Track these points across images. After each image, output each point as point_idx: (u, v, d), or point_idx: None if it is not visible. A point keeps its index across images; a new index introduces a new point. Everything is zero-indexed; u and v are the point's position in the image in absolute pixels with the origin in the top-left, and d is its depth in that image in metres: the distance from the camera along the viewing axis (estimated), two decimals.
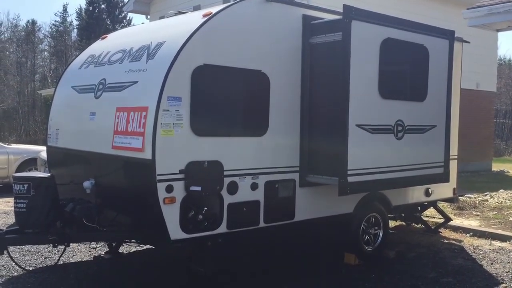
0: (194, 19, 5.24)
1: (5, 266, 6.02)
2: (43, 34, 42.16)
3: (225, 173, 5.08)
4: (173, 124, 4.73)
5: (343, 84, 5.42)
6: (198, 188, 4.86)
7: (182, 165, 4.79)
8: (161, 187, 4.66)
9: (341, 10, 5.45)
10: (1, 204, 10.22)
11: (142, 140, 4.74)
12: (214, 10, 5.19)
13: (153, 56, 5.06)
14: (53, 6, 69.68)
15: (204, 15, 5.11)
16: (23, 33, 40.85)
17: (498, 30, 10.57)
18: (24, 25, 42.03)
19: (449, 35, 6.62)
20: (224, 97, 5.16)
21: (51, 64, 39.65)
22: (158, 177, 4.64)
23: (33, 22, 41.57)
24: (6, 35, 40.91)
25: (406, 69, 6.41)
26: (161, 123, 4.66)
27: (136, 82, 5.09)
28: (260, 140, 5.41)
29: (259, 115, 5.42)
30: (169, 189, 4.71)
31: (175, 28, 5.62)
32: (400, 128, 6.06)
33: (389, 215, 7.05)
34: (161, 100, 4.65)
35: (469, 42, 7.97)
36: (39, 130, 29.05)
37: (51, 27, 43.02)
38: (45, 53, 41.70)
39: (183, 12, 6.25)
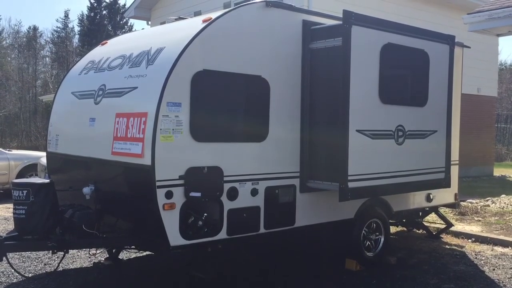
0: (194, 24, 5.24)
1: (4, 272, 5.99)
2: (45, 40, 42.34)
3: (225, 178, 5.06)
4: (173, 129, 4.72)
5: (343, 89, 5.40)
6: (198, 194, 4.84)
7: (182, 171, 4.78)
8: (160, 193, 4.64)
9: (341, 16, 5.45)
10: (2, 210, 10.21)
11: (142, 146, 4.73)
12: (214, 15, 5.19)
13: (153, 62, 5.05)
14: (54, 12, 70.10)
15: (204, 21, 5.11)
16: (24, 39, 40.99)
17: (498, 35, 10.56)
18: (26, 31, 42.24)
19: (449, 40, 6.61)
20: (224, 102, 5.14)
21: (52, 70, 39.76)
22: (157, 183, 4.63)
23: (35, 28, 41.71)
24: (7, 41, 41.09)
25: (407, 74, 6.39)
26: (161, 129, 4.64)
27: (135, 87, 5.08)
28: (260, 146, 5.39)
29: (259, 121, 5.40)
30: (169, 195, 4.69)
31: (174, 33, 5.62)
32: (400, 133, 6.05)
33: (390, 221, 7.02)
34: (161, 106, 4.64)
35: (469, 47, 7.97)
36: (40, 136, 29.09)
37: (52, 33, 43.22)
38: (47, 59, 41.84)
39: (183, 18, 6.25)
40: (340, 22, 5.47)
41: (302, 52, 5.72)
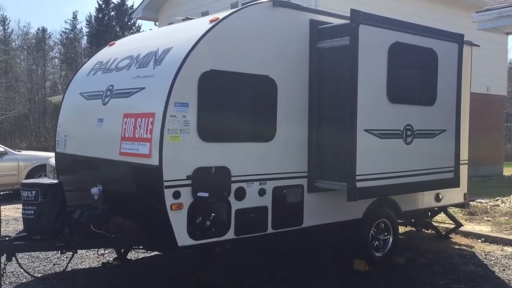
0: (201, 24, 5.24)
1: (14, 272, 6.03)
2: (54, 41, 42.65)
3: (232, 178, 5.05)
4: (180, 130, 4.72)
5: (351, 89, 5.38)
6: (206, 194, 4.83)
7: (189, 171, 4.78)
8: (168, 193, 4.65)
9: (348, 15, 5.43)
10: (11, 211, 10.27)
11: (149, 146, 4.74)
12: (221, 15, 5.19)
13: (160, 62, 5.06)
14: (63, 14, 70.50)
15: (211, 21, 5.11)
16: (33, 40, 41.31)
17: (508, 33, 10.50)
18: (35, 32, 42.54)
19: (458, 39, 6.57)
20: (231, 102, 5.14)
21: (61, 71, 40.03)
22: (165, 183, 4.63)
23: (44, 30, 42.03)
24: (17, 43, 41.41)
25: (415, 73, 6.35)
26: (168, 129, 4.65)
27: (143, 88, 5.09)
28: (268, 146, 5.38)
29: (266, 120, 5.39)
30: (176, 195, 4.69)
31: (182, 34, 5.63)
32: (409, 132, 6.01)
33: (398, 221, 6.98)
34: (168, 106, 4.64)
35: (478, 46, 7.90)
36: (49, 137, 29.29)
37: (61, 35, 43.51)
38: (56, 60, 42.14)
39: (190, 18, 6.26)
40: (348, 21, 5.44)
41: (309, 52, 5.70)
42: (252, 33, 5.30)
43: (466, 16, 11.84)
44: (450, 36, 6.51)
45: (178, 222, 4.72)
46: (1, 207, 5.22)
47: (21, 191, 5.13)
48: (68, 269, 6.17)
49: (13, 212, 10.08)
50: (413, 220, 7.90)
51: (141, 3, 19.18)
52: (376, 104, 5.68)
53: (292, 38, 5.60)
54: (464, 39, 6.73)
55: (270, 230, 5.37)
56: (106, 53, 6.49)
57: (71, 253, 5.40)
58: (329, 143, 5.66)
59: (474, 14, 9.04)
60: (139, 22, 41.44)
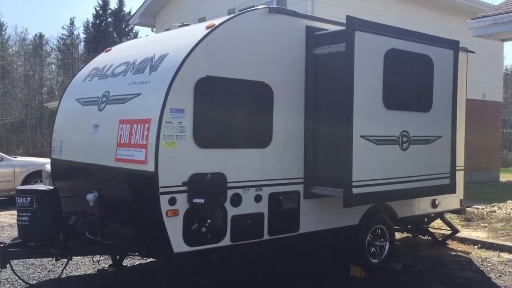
0: (197, 31, 5.25)
1: (8, 279, 5.99)
2: (51, 47, 42.62)
3: (228, 185, 5.04)
4: (176, 136, 4.72)
5: (347, 95, 5.39)
6: (201, 201, 4.82)
7: (185, 177, 4.77)
8: (164, 200, 4.63)
9: (344, 21, 5.44)
10: (7, 217, 10.23)
11: (145, 153, 4.73)
12: (217, 22, 5.19)
13: (156, 68, 5.06)
14: (60, 20, 70.45)
15: (207, 27, 5.11)
16: (30, 46, 41.29)
17: (503, 40, 10.53)
18: (32, 38, 42.53)
19: (453, 45, 6.59)
20: (227, 108, 5.13)
21: (58, 77, 39.98)
22: (161, 190, 4.62)
23: (41, 36, 42.02)
24: (14, 49, 41.38)
25: (411, 79, 6.37)
26: (164, 135, 4.64)
27: (139, 94, 5.09)
28: (264, 152, 5.38)
29: (262, 127, 5.39)
30: (172, 201, 4.68)
31: (178, 40, 5.63)
32: (405, 139, 6.01)
33: (395, 227, 6.98)
34: (164, 112, 4.63)
35: (474, 52, 7.93)
36: (46, 143, 29.21)
37: (58, 41, 43.47)
38: (53, 66, 42.10)
39: (187, 24, 6.27)
40: (344, 28, 5.46)
41: (305, 58, 5.71)
42: (248, 40, 5.31)
43: (461, 22, 11.87)
44: (445, 43, 6.53)
45: (174, 228, 4.70)
46: None
47: (16, 198, 5.11)
48: (63, 276, 6.14)
49: (9, 219, 10.03)
50: (409, 226, 7.90)
51: (139, 9, 19.22)
52: (372, 110, 5.69)
53: (288, 45, 5.61)
54: (460, 46, 6.75)
55: (266, 236, 5.36)
56: (102, 59, 6.49)
57: (66, 259, 5.37)
58: (325, 149, 5.66)
59: (470, 21, 9.07)
60: (137, 28, 41.49)
